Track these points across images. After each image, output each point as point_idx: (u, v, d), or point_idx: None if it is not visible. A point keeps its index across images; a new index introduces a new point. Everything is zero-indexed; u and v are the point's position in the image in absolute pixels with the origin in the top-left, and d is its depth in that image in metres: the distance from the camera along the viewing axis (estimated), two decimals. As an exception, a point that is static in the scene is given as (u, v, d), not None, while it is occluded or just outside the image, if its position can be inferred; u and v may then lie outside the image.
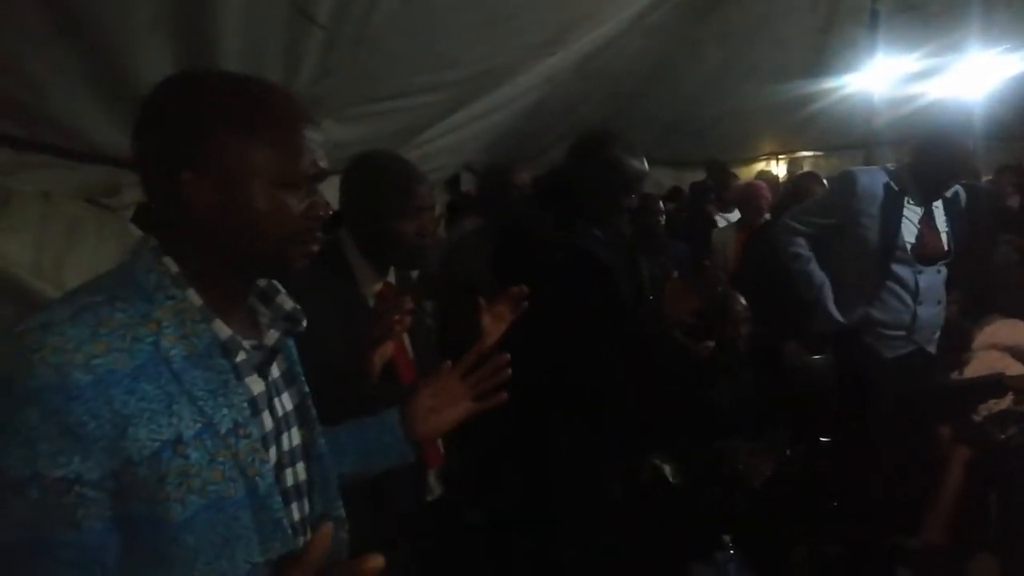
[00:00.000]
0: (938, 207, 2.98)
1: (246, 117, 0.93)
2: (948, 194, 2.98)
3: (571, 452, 2.28)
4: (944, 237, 2.97)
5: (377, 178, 1.63)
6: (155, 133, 0.94)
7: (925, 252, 2.92)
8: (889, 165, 3.08)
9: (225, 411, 0.91)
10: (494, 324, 1.78)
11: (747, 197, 4.91)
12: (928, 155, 2.89)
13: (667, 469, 3.12)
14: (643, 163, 2.29)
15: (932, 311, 2.99)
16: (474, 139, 4.74)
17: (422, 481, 1.68)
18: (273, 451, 1.00)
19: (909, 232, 2.90)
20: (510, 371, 1.26)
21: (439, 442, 1.71)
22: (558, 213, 2.30)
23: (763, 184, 5.12)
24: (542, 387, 2.05)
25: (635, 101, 6.62)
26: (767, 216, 4.59)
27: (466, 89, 3.97)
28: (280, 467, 1.01)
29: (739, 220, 5.09)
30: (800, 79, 6.21)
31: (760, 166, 8.04)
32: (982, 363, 3.50)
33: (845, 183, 3.01)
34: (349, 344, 1.46)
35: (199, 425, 0.88)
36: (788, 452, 3.18)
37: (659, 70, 6.28)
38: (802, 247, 3.10)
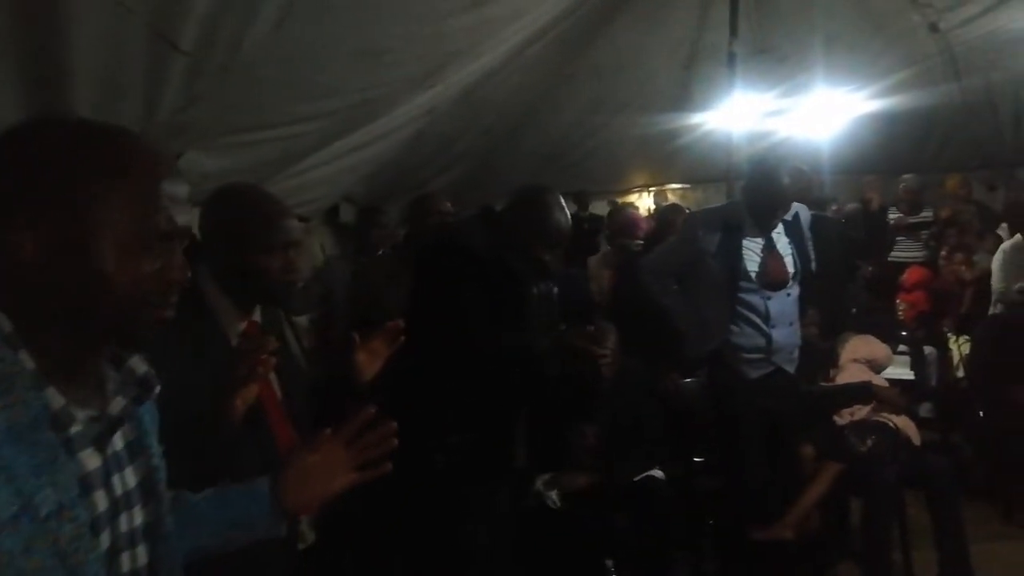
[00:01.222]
0: (780, 233, 3.19)
1: (91, 167, 0.84)
2: (788, 217, 3.19)
3: (454, 483, 2.25)
4: (788, 261, 3.17)
5: (239, 211, 1.55)
6: None
7: (769, 279, 3.12)
8: (725, 203, 3.34)
9: (48, 491, 0.80)
10: (369, 361, 1.73)
11: (622, 226, 5.10)
12: (752, 190, 3.12)
13: (550, 495, 3.14)
14: (568, 222, 2.39)
15: (785, 332, 3.18)
16: (353, 170, 4.68)
17: (294, 529, 1.61)
18: (107, 534, 0.89)
19: (752, 262, 3.11)
20: (396, 441, 1.16)
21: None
22: (491, 238, 2.35)
23: (638, 214, 5.33)
24: (429, 415, 2.02)
25: (514, 134, 6.76)
26: (640, 244, 4.76)
27: (344, 119, 3.92)
28: (115, 552, 0.91)
29: (612, 248, 5.27)
30: (667, 114, 6.55)
31: (632, 198, 8.37)
32: (850, 376, 3.77)
33: (687, 227, 3.30)
34: (208, 387, 1.38)
35: (15, 507, 0.77)
36: (663, 473, 3.27)
37: (536, 104, 6.46)
38: (665, 284, 3.29)
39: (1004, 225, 5.72)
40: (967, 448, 4.58)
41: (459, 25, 3.51)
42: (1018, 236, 4.64)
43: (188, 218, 0.92)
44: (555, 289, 2.60)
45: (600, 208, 8.00)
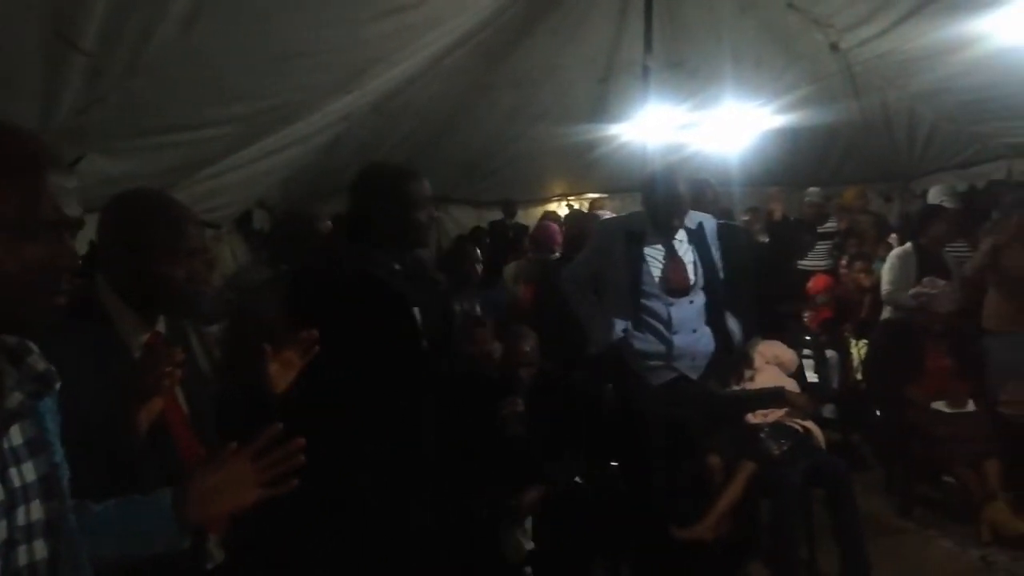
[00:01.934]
0: (683, 241, 3.26)
1: None
2: (692, 226, 3.28)
3: (369, 496, 2.21)
4: (691, 269, 3.25)
5: (141, 217, 1.48)
6: None
7: (671, 285, 3.20)
8: (629, 213, 3.45)
9: None
10: (282, 372, 1.70)
11: (539, 236, 5.19)
12: (650, 197, 3.22)
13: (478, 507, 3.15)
14: (424, 184, 2.27)
15: (688, 339, 3.24)
16: (267, 175, 4.58)
17: (201, 548, 1.55)
18: (3, 526, 0.91)
19: (655, 268, 3.18)
20: (303, 458, 1.17)
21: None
22: (356, 249, 2.25)
23: (554, 225, 5.42)
24: (335, 431, 1.98)
25: (434, 141, 6.75)
26: (557, 254, 4.84)
27: (257, 124, 3.83)
28: (11, 544, 0.92)
29: (527, 259, 5.35)
30: (584, 125, 6.67)
31: (552, 206, 8.47)
32: (767, 378, 3.91)
33: (594, 235, 3.36)
34: (108, 401, 1.31)
35: None
36: (578, 480, 3.31)
37: (457, 112, 6.47)
38: (583, 293, 3.32)
39: (894, 236, 6.08)
40: (866, 448, 4.83)
41: (377, 31, 3.49)
42: (908, 244, 4.94)
43: (77, 209, 0.95)
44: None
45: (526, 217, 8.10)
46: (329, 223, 3.19)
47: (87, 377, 1.33)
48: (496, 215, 7.99)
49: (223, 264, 4.67)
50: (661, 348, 3.19)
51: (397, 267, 2.24)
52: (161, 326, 1.54)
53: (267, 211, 5.32)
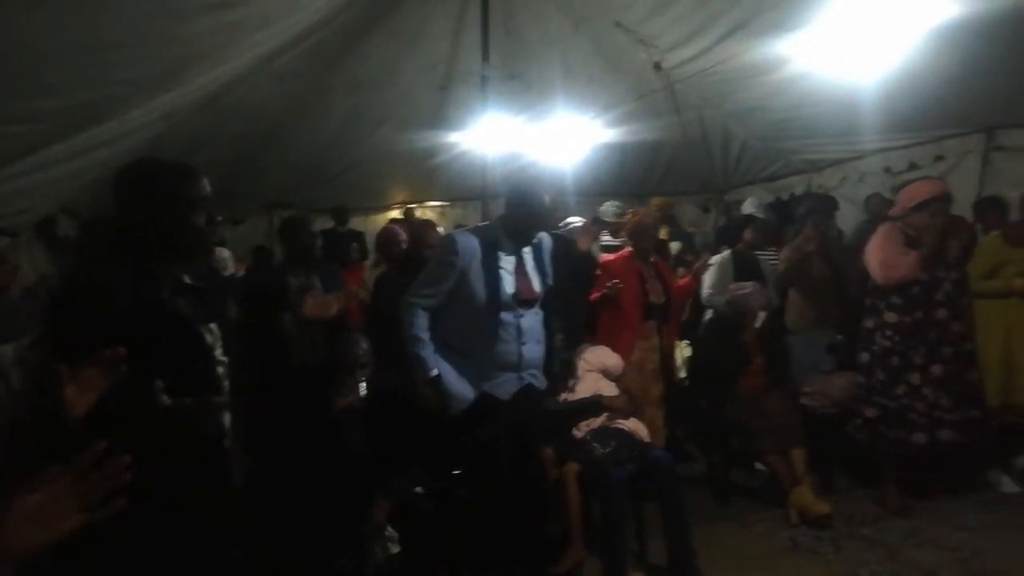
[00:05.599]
0: (527, 253, 3.34)
1: None
2: (535, 241, 3.37)
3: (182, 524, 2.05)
4: (535, 281, 3.33)
5: None
6: None
7: (523, 297, 3.26)
8: (484, 223, 3.46)
9: None
10: (81, 394, 1.54)
11: (384, 240, 5.12)
12: (515, 210, 3.27)
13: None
14: (202, 182, 1.91)
15: (533, 349, 3.32)
16: (73, 177, 4.19)
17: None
18: None
19: (508, 280, 3.23)
20: (130, 475, 1.12)
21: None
22: (127, 263, 1.85)
23: (399, 228, 5.37)
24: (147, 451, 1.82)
25: (267, 144, 6.49)
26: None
27: (64, 121, 3.51)
28: None
29: (376, 261, 5.26)
30: (424, 132, 6.67)
31: (393, 213, 8.40)
32: (587, 385, 4.04)
33: (446, 247, 3.26)
34: None
35: None
36: (420, 490, 3.29)
37: (292, 115, 6.25)
38: (422, 329, 3.20)
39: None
40: (689, 442, 5.15)
41: (199, 27, 3.30)
42: (727, 251, 5.35)
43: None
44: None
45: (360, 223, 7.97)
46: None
47: None
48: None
49: (21, 275, 4.23)
50: (513, 359, 3.22)
51: (187, 280, 1.91)
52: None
53: (74, 217, 4.86)
